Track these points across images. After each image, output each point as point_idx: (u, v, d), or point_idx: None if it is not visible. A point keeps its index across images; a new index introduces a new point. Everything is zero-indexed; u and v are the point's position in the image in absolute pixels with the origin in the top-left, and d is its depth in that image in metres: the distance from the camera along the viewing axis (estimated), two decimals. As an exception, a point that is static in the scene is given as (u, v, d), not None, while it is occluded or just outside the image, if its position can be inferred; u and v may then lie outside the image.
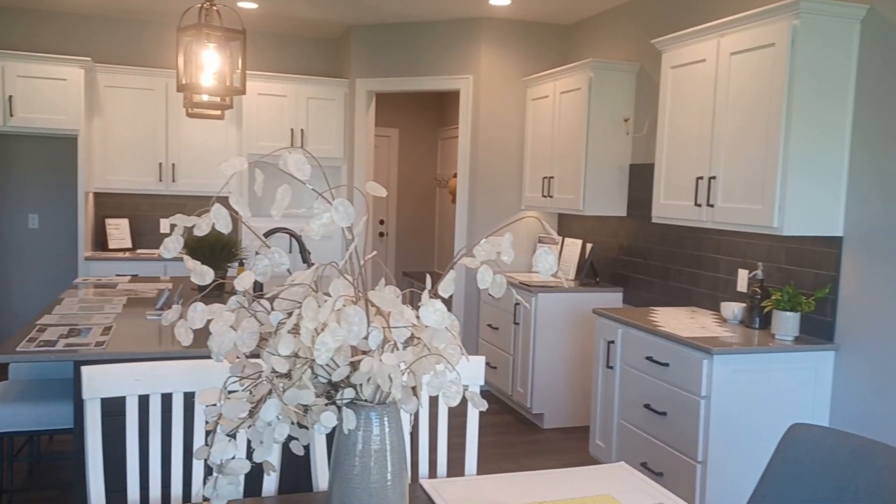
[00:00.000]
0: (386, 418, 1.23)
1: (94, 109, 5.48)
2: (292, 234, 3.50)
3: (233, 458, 1.16)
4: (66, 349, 2.48)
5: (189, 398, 1.81)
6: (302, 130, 5.81)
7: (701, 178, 3.45)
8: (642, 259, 4.50)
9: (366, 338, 1.17)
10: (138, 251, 5.72)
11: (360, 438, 1.21)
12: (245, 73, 3.32)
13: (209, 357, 1.78)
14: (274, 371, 1.15)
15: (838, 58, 3.00)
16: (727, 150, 3.30)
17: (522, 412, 5.00)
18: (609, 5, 4.88)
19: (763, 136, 3.08)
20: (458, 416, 4.49)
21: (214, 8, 3.21)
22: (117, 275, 5.20)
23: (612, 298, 4.70)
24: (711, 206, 3.38)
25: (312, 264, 1.43)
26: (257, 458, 1.16)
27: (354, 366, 1.17)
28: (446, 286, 1.30)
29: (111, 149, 5.53)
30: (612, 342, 3.69)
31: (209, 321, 1.22)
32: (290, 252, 5.65)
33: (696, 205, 3.48)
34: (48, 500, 3.43)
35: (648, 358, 3.36)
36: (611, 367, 3.70)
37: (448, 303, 5.68)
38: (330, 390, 1.23)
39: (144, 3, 5.32)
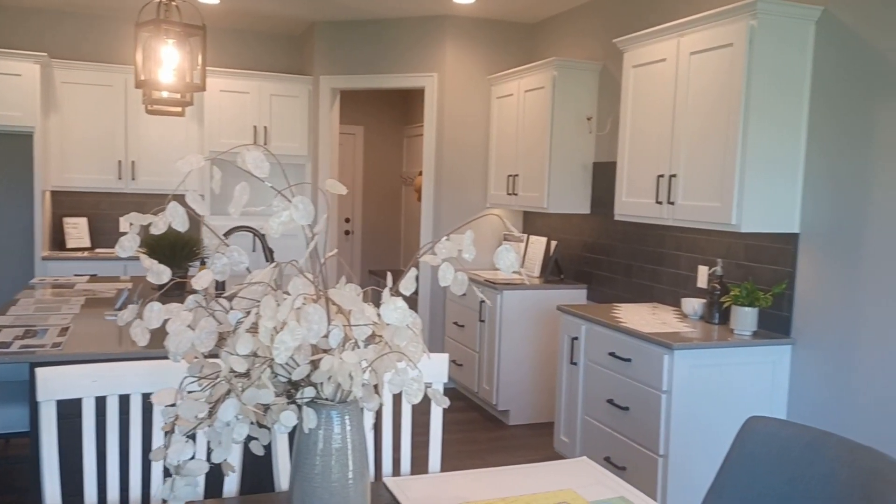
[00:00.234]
0: (347, 417, 1.22)
1: (50, 106, 5.35)
2: (255, 233, 3.46)
3: (190, 459, 1.14)
4: (21, 351, 2.42)
5: (148, 399, 1.78)
6: (265, 128, 5.75)
7: (662, 176, 3.50)
8: (606, 256, 4.55)
9: (326, 336, 1.17)
10: (97, 251, 5.61)
11: (321, 437, 1.21)
12: (205, 70, 3.27)
13: (168, 357, 1.75)
14: (232, 371, 1.14)
15: (794, 58, 3.07)
16: (687, 148, 3.35)
17: (488, 409, 5.02)
18: (572, 4, 4.92)
19: (722, 135, 3.14)
20: (422, 413, 4.49)
21: (174, 3, 3.16)
22: (75, 275, 5.09)
23: (577, 295, 4.75)
24: (672, 203, 3.43)
25: (278, 264, 1.42)
26: (216, 458, 1.15)
27: (315, 364, 1.17)
28: (407, 284, 1.30)
29: (69, 146, 5.41)
30: (576, 339, 3.72)
31: (166, 321, 1.20)
32: (254, 251, 5.59)
33: (658, 202, 3.53)
34: (4, 506, 3.35)
35: (611, 354, 3.40)
36: (574, 364, 3.74)
37: (414, 301, 5.68)
38: (290, 389, 1.22)
39: (102, -2, 5.22)
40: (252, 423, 1.22)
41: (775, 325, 3.26)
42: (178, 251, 3.30)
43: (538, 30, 5.46)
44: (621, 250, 4.39)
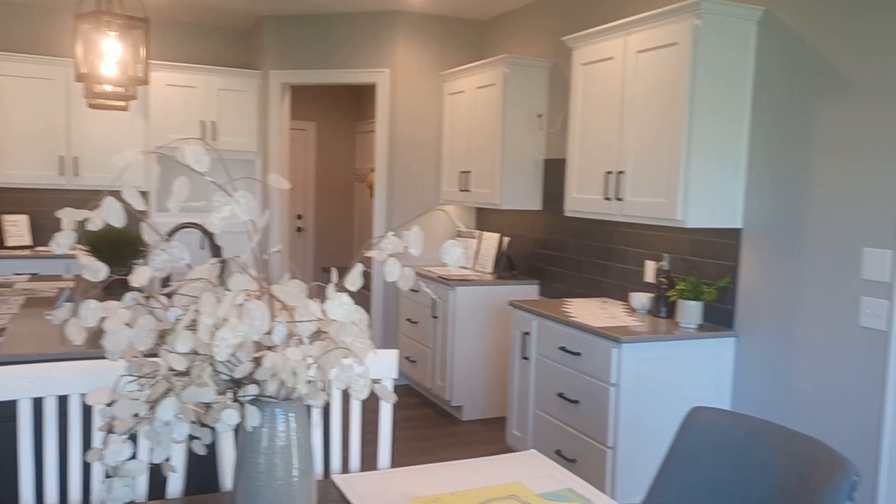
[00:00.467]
0: (292, 414, 1.21)
1: (-13, 99, 5.16)
2: (203, 230, 3.39)
3: (130, 459, 1.12)
4: (-46, 353, 2.33)
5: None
6: (213, 123, 5.65)
7: (610, 172, 3.55)
8: (557, 252, 4.60)
9: (269, 333, 1.15)
10: (38, 249, 5.44)
11: (265, 435, 1.19)
12: (148, 63, 3.20)
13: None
14: (172, 369, 1.11)
15: (738, 57, 3.14)
16: (634, 145, 3.41)
17: (441, 405, 5.03)
18: (523, 2, 4.95)
19: (668, 133, 3.20)
20: (373, 411, 4.47)
21: (116, -6, 3.08)
22: (15, 273, 4.92)
23: (529, 291, 4.79)
24: (620, 199, 3.49)
25: (225, 261, 1.39)
26: (156, 458, 1.13)
27: (258, 362, 1.15)
28: (353, 280, 1.29)
29: (8, 141, 5.23)
30: (528, 333, 3.75)
31: (104, 319, 1.17)
32: (203, 248, 5.49)
33: (606, 199, 3.58)
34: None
35: (562, 348, 3.44)
36: (526, 359, 3.77)
37: (367, 297, 5.65)
38: (233, 387, 1.20)
39: (42, -12, 5.06)
40: (193, 422, 1.20)
41: (719, 318, 3.34)
42: (122, 249, 3.22)
43: (489, 27, 5.48)
44: (572, 246, 4.45)
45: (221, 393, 1.19)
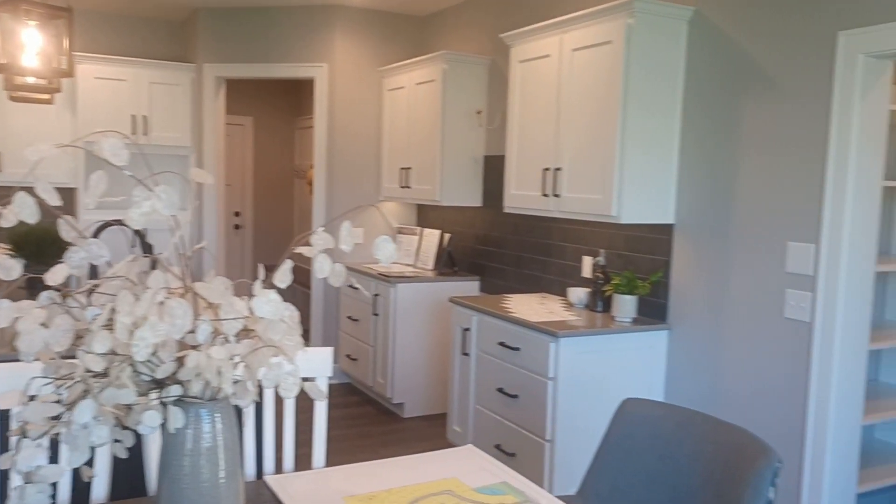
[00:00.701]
0: (218, 415, 1.18)
1: None
2: (134, 228, 3.29)
3: (43, 464, 1.07)
4: None
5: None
6: (145, 117, 5.49)
7: (548, 169, 3.59)
8: (497, 248, 4.63)
9: (193, 332, 1.12)
10: (-42, 248, 5.19)
11: (190, 437, 1.16)
12: (72, 55, 3.08)
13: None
14: (89, 370, 1.07)
15: (670, 56, 3.21)
16: (571, 142, 3.45)
17: (383, 402, 5.01)
18: (462, -1, 4.96)
19: (602, 130, 3.25)
20: (310, 410, 4.42)
21: (37, -18, 2.95)
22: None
23: (470, 287, 4.80)
24: (557, 196, 3.53)
25: (156, 259, 1.35)
26: (73, 463, 1.08)
27: (181, 361, 1.12)
28: (282, 276, 1.27)
29: (-78, 135, 4.97)
30: (468, 329, 3.77)
31: (17, 319, 1.12)
32: (134, 246, 5.32)
33: (544, 195, 3.62)
34: None
35: (501, 343, 3.46)
36: (466, 354, 3.78)
37: (307, 296, 5.58)
38: (156, 388, 1.17)
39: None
40: (115, 425, 1.16)
41: (653, 311, 3.42)
42: (47, 247, 3.10)
43: (428, 23, 5.47)
44: (512, 242, 4.48)
45: (143, 394, 1.15)
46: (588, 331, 3.15)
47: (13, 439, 1.60)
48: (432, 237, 5.09)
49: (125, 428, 1.18)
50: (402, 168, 5.05)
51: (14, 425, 1.59)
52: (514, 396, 3.37)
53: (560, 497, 1.80)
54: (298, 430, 4.17)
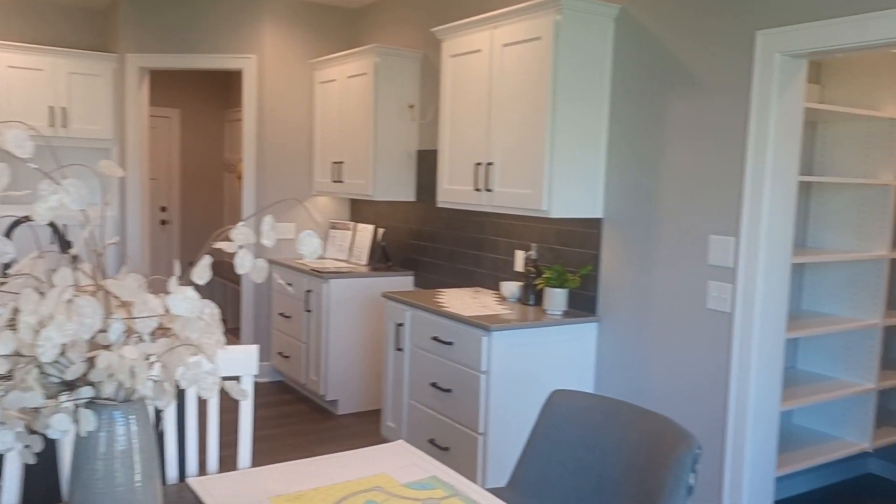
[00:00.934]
0: (132, 417, 1.14)
1: None
2: (52, 225, 3.15)
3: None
4: None
5: None
6: (63, 108, 5.26)
7: (480, 164, 3.61)
8: (431, 243, 4.62)
9: (104, 331, 1.08)
10: None
11: (103, 440, 1.12)
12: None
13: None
14: (-10, 373, 1.02)
15: (597, 52, 3.27)
16: (502, 137, 3.47)
17: (316, 400, 4.95)
18: (394, -8, 4.92)
19: (532, 125, 3.28)
20: (235, 410, 4.34)
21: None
22: None
23: (404, 282, 4.79)
24: (490, 190, 3.55)
25: (75, 256, 1.29)
26: (-26, 472, 1.03)
27: (92, 362, 1.07)
28: (201, 273, 1.23)
29: None
30: (402, 325, 3.75)
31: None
32: (53, 243, 5.11)
33: (476, 190, 3.63)
34: None
35: (434, 338, 3.46)
36: (400, 350, 3.77)
37: (237, 292, 5.47)
38: (66, 390, 1.11)
39: None
40: (23, 430, 1.11)
41: (583, 304, 3.48)
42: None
43: (360, 16, 5.42)
44: (445, 237, 4.49)
45: (52, 396, 1.10)
46: (520, 324, 3.18)
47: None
48: (366, 232, 5.05)
49: (33, 432, 1.13)
50: (335, 162, 4.99)
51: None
52: (448, 391, 3.38)
53: (491, 489, 1.81)
54: (223, 430, 4.08)
